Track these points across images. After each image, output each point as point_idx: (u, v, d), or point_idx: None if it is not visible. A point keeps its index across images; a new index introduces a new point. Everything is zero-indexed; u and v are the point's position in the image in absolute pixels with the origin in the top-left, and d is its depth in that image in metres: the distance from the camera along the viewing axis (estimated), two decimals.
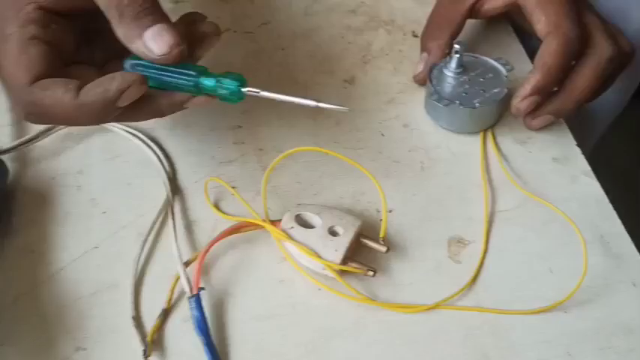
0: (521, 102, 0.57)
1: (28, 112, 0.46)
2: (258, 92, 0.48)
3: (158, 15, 0.46)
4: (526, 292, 0.51)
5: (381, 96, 0.63)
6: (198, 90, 0.48)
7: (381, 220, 0.53)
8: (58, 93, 0.45)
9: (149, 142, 0.58)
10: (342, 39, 0.68)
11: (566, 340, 0.48)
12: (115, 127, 0.59)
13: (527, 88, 0.57)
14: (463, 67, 0.60)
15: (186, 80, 0.47)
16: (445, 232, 0.54)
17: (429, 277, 0.51)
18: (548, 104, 0.59)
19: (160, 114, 0.50)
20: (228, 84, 0.48)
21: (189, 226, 0.54)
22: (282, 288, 0.51)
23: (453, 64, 0.60)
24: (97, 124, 0.54)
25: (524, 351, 0.48)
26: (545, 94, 0.58)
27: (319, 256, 0.49)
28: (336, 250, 0.49)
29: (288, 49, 0.67)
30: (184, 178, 0.57)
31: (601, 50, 0.58)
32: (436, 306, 0.50)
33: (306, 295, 0.50)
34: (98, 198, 0.55)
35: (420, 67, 0.62)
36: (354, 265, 0.50)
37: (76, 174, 0.56)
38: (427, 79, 0.60)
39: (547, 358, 0.47)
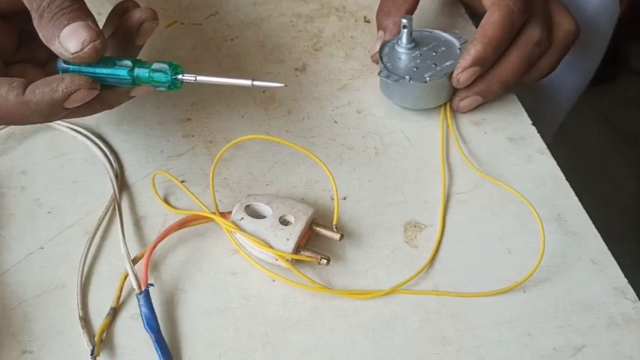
0: (461, 73, 0.56)
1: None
2: (194, 78, 0.47)
3: (77, 13, 0.44)
4: (484, 275, 0.50)
5: (333, 83, 0.62)
6: (136, 83, 0.46)
7: (334, 207, 0.51)
8: (1, 91, 0.44)
9: (95, 138, 0.56)
10: (292, 27, 0.67)
11: (526, 320, 0.47)
12: (59, 125, 0.57)
13: (467, 59, 0.56)
14: (415, 43, 0.59)
15: (121, 76, 0.46)
16: (401, 217, 0.53)
17: (385, 263, 0.50)
18: (474, 85, 0.58)
19: (109, 106, 0.49)
20: (160, 76, 0.47)
21: (137, 223, 0.52)
22: (235, 280, 0.49)
23: (404, 39, 0.58)
24: (44, 123, 0.52)
25: (484, 332, 0.47)
26: (485, 65, 0.56)
27: (270, 247, 0.48)
28: (287, 239, 0.48)
29: (237, 40, 0.65)
30: (132, 173, 0.55)
31: (529, 33, 0.57)
32: (392, 291, 0.48)
33: (260, 286, 0.49)
34: (43, 198, 0.53)
35: (377, 47, 0.61)
36: (307, 253, 0.48)
37: (19, 174, 0.55)
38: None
39: (507, 339, 0.46)
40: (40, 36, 0.45)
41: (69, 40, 0.44)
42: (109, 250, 0.51)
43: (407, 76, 0.57)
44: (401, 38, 0.59)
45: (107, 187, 0.54)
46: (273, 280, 0.49)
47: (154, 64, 0.47)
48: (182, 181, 0.54)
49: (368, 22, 0.67)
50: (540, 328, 0.47)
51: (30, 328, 0.47)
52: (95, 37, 0.44)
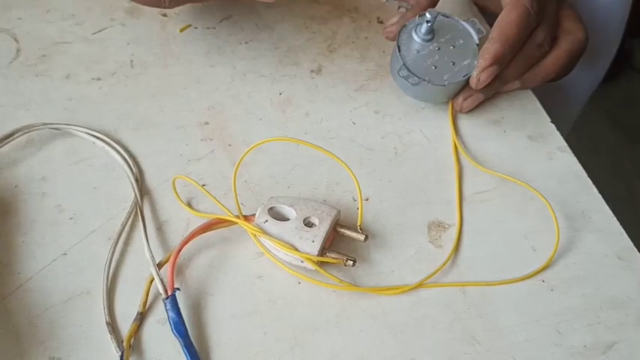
0: (481, 73, 0.56)
1: None
2: None
3: None
4: (510, 273, 0.50)
5: (349, 84, 0.62)
6: None
7: (357, 208, 0.51)
8: None
9: (113, 143, 0.56)
10: (306, 29, 0.67)
11: (554, 319, 0.47)
12: (78, 131, 0.57)
13: (486, 59, 0.55)
14: (433, 32, 0.58)
15: None
16: (424, 217, 0.53)
17: (410, 264, 0.50)
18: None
19: None
20: None
21: (160, 227, 0.52)
22: (261, 283, 0.49)
23: (423, 29, 0.57)
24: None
25: (513, 332, 0.47)
26: (503, 64, 0.56)
27: (296, 249, 0.48)
28: (312, 241, 0.48)
29: (251, 43, 0.65)
30: (152, 178, 0.55)
31: (534, 35, 0.58)
32: (419, 285, 0.48)
33: (286, 288, 0.49)
34: (64, 204, 0.53)
35: (394, 20, 0.60)
36: (332, 255, 0.48)
37: (39, 181, 0.54)
38: (395, 39, 0.58)
39: (536, 338, 0.46)
40: None
41: None
42: (132, 255, 0.50)
43: (427, 78, 0.56)
44: (420, 28, 0.58)
45: (128, 192, 0.53)
46: (300, 283, 0.49)
47: None
48: (203, 185, 0.54)
49: (381, 22, 0.67)
50: (570, 326, 0.47)
51: (57, 334, 0.46)
52: None
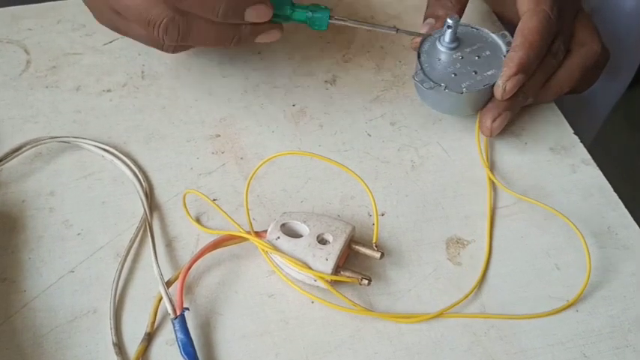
0: (507, 81, 0.53)
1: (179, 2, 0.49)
2: (345, 20, 0.56)
3: None
4: (533, 292, 0.48)
5: (364, 95, 0.60)
6: (294, 11, 0.56)
7: (373, 224, 0.50)
8: None
9: (123, 157, 0.55)
10: (320, 39, 0.65)
11: (580, 341, 0.45)
12: (87, 144, 0.55)
13: (511, 67, 0.53)
14: (459, 41, 0.56)
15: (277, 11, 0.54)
16: (442, 233, 0.51)
17: (428, 282, 0.48)
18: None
19: (238, 42, 0.54)
20: (317, 9, 0.56)
21: (170, 243, 0.50)
22: (273, 303, 0.47)
23: (447, 37, 0.56)
24: (227, 38, 0.54)
25: (537, 355, 0.45)
26: (529, 72, 0.54)
27: (309, 267, 0.46)
28: (326, 259, 0.46)
29: (264, 53, 0.64)
30: (162, 192, 0.53)
31: (591, 47, 0.57)
32: (439, 314, 0.46)
33: (299, 309, 0.47)
34: (72, 219, 0.52)
35: (424, 30, 0.58)
36: (347, 274, 0.47)
37: (47, 195, 0.53)
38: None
39: None
40: None
41: None
42: (141, 272, 0.49)
43: (442, 84, 0.54)
44: (444, 36, 0.56)
45: (137, 206, 0.52)
46: (313, 302, 0.47)
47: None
48: (214, 200, 0.52)
49: (397, 31, 0.66)
50: (596, 349, 0.45)
51: (63, 355, 0.45)
52: None
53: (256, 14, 0.52)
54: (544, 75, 0.56)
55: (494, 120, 0.55)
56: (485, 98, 0.55)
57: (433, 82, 0.54)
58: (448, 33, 0.55)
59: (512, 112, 0.56)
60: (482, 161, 0.55)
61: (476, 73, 0.55)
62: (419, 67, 0.55)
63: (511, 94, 0.54)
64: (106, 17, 0.54)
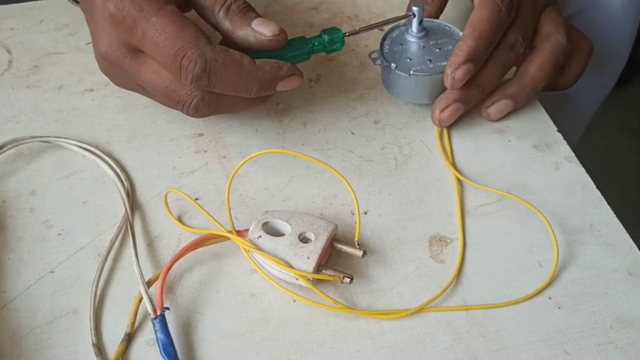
0: (456, 70, 0.53)
1: (205, 69, 0.48)
2: (357, 31, 0.56)
3: (256, 12, 0.52)
4: (516, 289, 0.47)
5: (349, 93, 0.60)
6: (314, 51, 0.55)
7: (355, 223, 0.49)
8: (236, 55, 0.49)
9: (104, 156, 0.54)
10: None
11: (562, 338, 0.45)
12: (68, 144, 0.55)
13: (460, 55, 0.53)
14: (426, 32, 0.57)
15: (303, 51, 0.54)
16: (425, 231, 0.51)
17: (410, 280, 0.48)
18: (501, 90, 0.56)
19: (263, 101, 0.54)
20: (333, 32, 0.55)
21: (151, 243, 0.50)
22: (254, 302, 0.47)
23: (413, 26, 0.57)
24: (251, 102, 0.53)
25: (519, 352, 0.44)
26: (478, 62, 0.54)
27: (290, 266, 0.46)
28: (308, 257, 0.46)
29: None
30: (144, 192, 0.53)
31: (555, 39, 0.57)
32: (420, 310, 0.46)
33: (281, 308, 0.47)
34: (52, 219, 0.51)
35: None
36: (328, 272, 0.46)
37: (28, 195, 0.53)
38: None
39: (543, 358, 0.44)
40: (224, 26, 0.51)
41: (263, 28, 0.51)
42: (122, 272, 0.48)
43: (394, 64, 0.55)
44: (411, 24, 0.57)
45: (118, 206, 0.52)
46: (294, 301, 0.47)
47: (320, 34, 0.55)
48: (196, 199, 0.52)
49: (382, 30, 0.65)
50: (578, 345, 0.44)
51: (42, 356, 0.45)
52: (281, 30, 0.51)
53: (289, 85, 0.52)
54: (500, 67, 0.56)
55: (442, 110, 0.55)
56: (440, 88, 0.56)
57: (386, 60, 0.56)
58: (413, 21, 0.57)
59: (466, 106, 0.56)
60: (445, 159, 0.55)
61: (430, 61, 0.56)
62: (379, 49, 0.57)
63: (461, 84, 0.54)
64: (126, 86, 0.54)
